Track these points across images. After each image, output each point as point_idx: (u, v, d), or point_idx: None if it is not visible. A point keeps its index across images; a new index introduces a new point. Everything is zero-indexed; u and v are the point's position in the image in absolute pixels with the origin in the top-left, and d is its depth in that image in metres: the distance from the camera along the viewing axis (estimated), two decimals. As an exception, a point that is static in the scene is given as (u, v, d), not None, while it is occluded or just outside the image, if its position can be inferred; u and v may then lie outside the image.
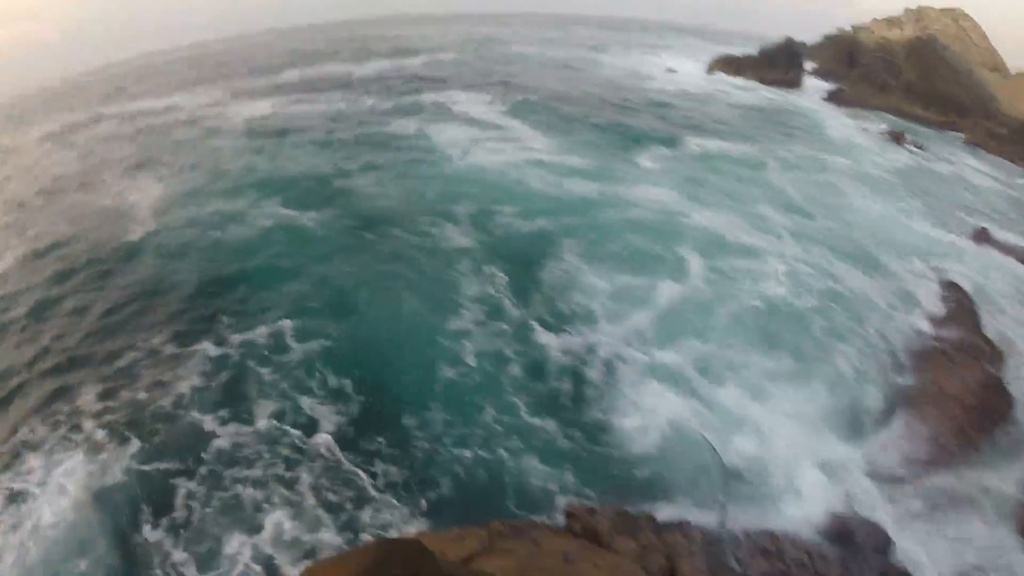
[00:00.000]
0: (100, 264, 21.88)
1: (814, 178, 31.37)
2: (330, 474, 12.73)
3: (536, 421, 14.21)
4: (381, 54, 74.94)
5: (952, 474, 13.67)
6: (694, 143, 34.38)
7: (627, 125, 37.22)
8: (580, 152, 30.69)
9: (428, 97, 43.77)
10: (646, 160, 30.75)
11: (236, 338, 16.60)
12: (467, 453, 13.27)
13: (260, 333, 16.71)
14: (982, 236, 27.24)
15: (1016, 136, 51.34)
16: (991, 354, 17.58)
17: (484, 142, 31.87)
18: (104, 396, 15.06)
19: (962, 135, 54.12)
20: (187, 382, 15.10)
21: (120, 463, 13.05)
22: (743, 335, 17.50)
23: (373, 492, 12.37)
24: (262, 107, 44.69)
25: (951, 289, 21.37)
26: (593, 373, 15.67)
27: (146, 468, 12.94)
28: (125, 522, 11.94)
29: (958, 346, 17.74)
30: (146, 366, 16.00)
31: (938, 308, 20.07)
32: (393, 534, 11.37)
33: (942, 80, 60.22)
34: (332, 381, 15.08)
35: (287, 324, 17.02)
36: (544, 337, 16.80)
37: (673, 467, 13.01)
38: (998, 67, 66.21)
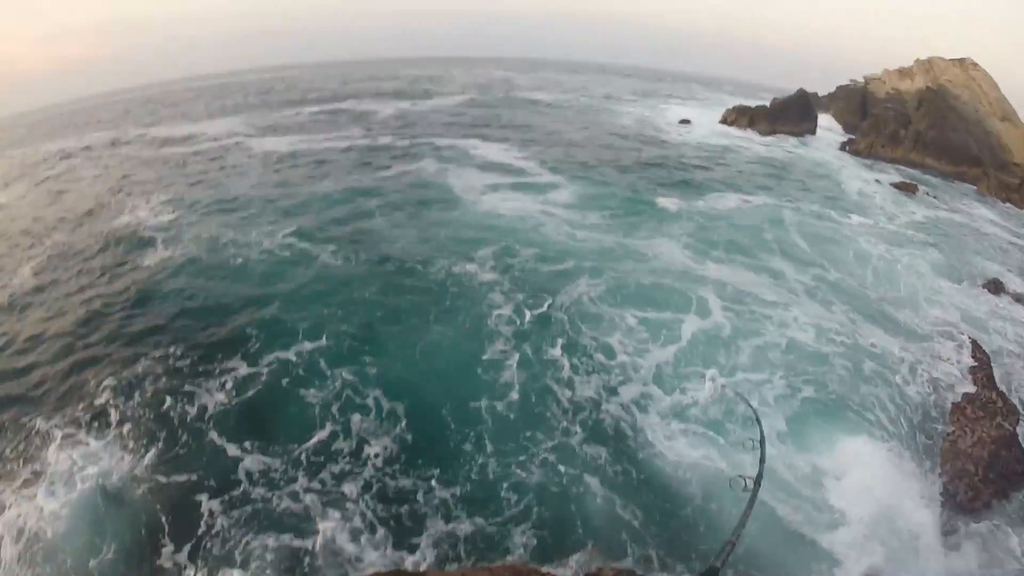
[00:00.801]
0: (119, 279, 22.68)
1: (828, 231, 31.48)
2: (377, 492, 12.91)
3: (584, 451, 14.20)
4: (398, 95, 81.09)
5: (972, 534, 13.45)
6: (709, 195, 34.64)
7: (641, 176, 37.77)
8: (596, 201, 31.17)
9: (445, 140, 44.97)
10: (662, 211, 31.04)
11: (267, 358, 16.91)
12: (513, 479, 13.42)
13: (291, 355, 17.03)
14: (995, 286, 27.22)
15: (1024, 185, 51.71)
16: (1005, 409, 17.39)
17: (502, 188, 32.47)
18: (127, 397, 15.47)
19: (974, 186, 54.73)
20: (215, 397, 15.42)
21: (141, 465, 13.39)
22: (769, 371, 17.76)
23: (422, 511, 12.52)
24: (282, 142, 46.36)
25: (965, 341, 21.25)
26: (628, 408, 15.78)
27: (166, 477, 13.19)
28: (142, 526, 12.11)
29: (972, 400, 17.63)
30: (171, 375, 16.34)
31: (952, 361, 19.92)
32: (430, 555, 11.58)
33: (952, 130, 60.84)
34: (383, 403, 15.29)
35: (319, 347, 17.39)
36: (574, 369, 17.12)
37: (707, 514, 12.98)
38: (1008, 117, 66.76)
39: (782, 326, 20.21)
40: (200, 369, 16.52)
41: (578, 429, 14.93)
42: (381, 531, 12.04)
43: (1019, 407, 18.00)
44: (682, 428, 15.22)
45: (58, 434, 14.36)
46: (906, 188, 46.14)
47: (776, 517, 12.87)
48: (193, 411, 14.91)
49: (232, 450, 13.89)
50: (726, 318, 20.24)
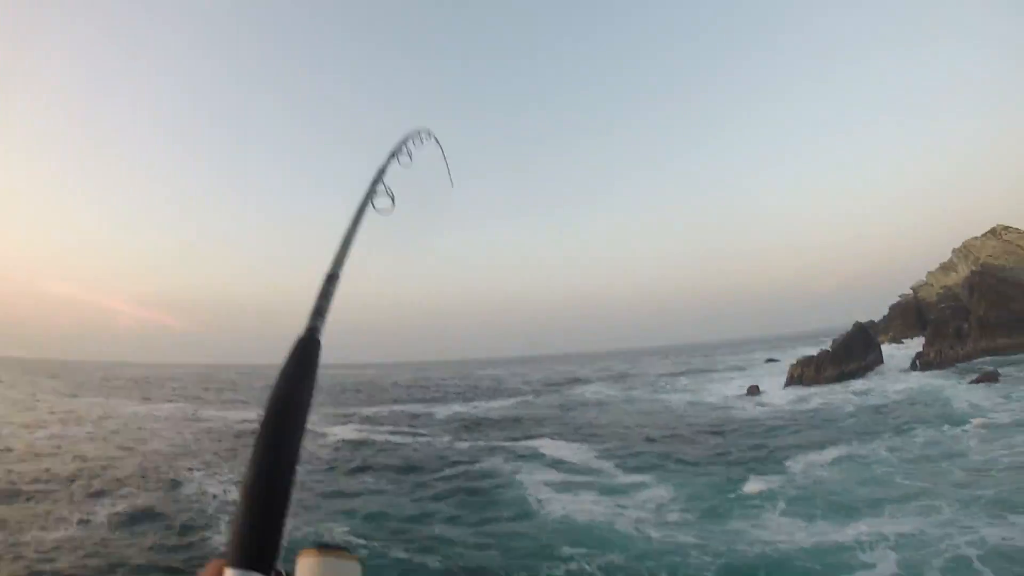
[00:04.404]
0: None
1: (949, 453, 28.68)
2: None
3: None
4: (457, 397, 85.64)
5: None
6: (800, 461, 31.18)
7: (719, 459, 34.41)
8: (678, 495, 27.47)
9: (510, 441, 44.29)
10: (752, 489, 27.29)
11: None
12: None
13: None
14: None
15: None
16: None
17: (576, 489, 29.58)
18: None
19: (1056, 347, 53.21)
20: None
21: None
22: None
23: None
24: (351, 434, 48.18)
25: None
26: None
27: None
28: None
29: None
30: None
31: None
32: None
33: (1011, 301, 60.20)
34: None
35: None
36: None
37: None
38: (1058, 261, 66.20)
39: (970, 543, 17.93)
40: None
41: None
42: None
43: None
44: None
45: None
46: (987, 379, 45.08)
47: None
48: None
49: None
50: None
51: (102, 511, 25.24)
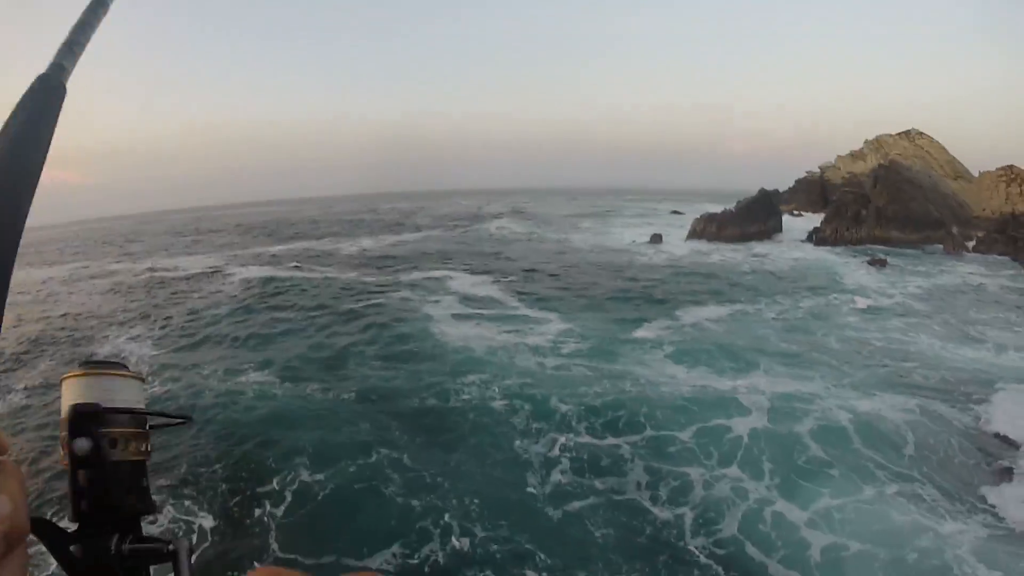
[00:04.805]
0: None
1: (831, 325, 30.18)
2: None
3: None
4: (363, 232, 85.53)
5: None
6: (691, 312, 32.50)
7: (617, 301, 35.95)
8: (583, 332, 28.60)
9: (418, 275, 45.03)
10: (650, 333, 28.67)
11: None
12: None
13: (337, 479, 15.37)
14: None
15: (991, 235, 54.68)
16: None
17: (480, 320, 31.12)
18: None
19: (940, 245, 57.14)
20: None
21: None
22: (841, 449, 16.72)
23: None
24: (260, 272, 47.73)
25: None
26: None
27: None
28: None
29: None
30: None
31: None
32: None
33: (911, 200, 63.03)
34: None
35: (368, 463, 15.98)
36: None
37: None
38: (961, 175, 69.89)
39: (827, 413, 18.92)
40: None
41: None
42: None
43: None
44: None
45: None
46: (877, 263, 47.50)
47: None
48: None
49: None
50: (771, 414, 18.95)
51: (19, 385, 24.31)
